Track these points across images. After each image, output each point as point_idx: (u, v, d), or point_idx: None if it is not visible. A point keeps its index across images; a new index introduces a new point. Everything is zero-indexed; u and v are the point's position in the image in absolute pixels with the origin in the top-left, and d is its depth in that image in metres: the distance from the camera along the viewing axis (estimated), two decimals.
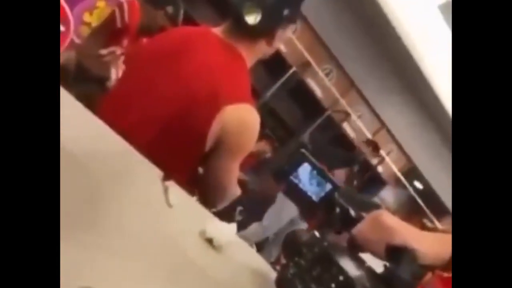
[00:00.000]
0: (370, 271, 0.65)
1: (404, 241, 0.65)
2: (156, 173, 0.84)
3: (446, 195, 5.10)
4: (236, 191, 1.15)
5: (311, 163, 0.85)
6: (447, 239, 0.67)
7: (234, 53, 1.04)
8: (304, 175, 0.85)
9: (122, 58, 1.97)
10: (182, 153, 1.00)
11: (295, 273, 0.68)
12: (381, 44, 4.38)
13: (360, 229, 0.71)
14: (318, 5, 4.06)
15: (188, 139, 0.99)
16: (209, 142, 0.99)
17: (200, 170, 1.07)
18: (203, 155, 1.01)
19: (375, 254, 0.70)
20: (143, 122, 1.00)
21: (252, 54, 1.07)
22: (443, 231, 0.79)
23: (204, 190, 1.07)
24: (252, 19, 1.00)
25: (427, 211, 4.85)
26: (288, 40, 4.02)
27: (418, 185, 5.07)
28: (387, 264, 0.67)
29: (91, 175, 0.62)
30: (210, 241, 0.72)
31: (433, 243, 0.68)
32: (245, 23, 1.00)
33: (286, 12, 1.03)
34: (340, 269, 0.64)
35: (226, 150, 1.01)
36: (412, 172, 4.95)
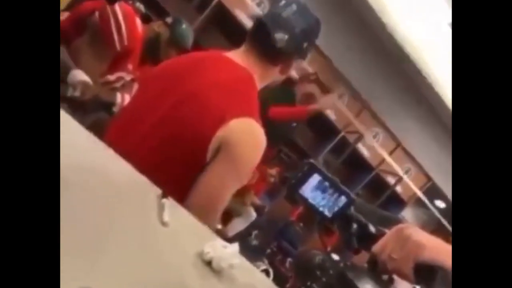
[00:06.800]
0: None
1: (436, 259, 0.56)
2: (155, 191, 0.77)
3: None
4: (217, 222, 1.10)
5: (321, 174, 0.77)
6: None
7: (245, 74, 1.05)
8: (314, 187, 0.77)
9: (135, 84, 1.97)
10: (182, 165, 0.95)
11: None
12: (392, 63, 4.33)
13: (383, 246, 0.62)
14: (327, 31, 4.03)
15: (189, 149, 0.95)
16: (210, 152, 0.93)
17: None
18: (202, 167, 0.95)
19: (401, 274, 0.60)
20: (143, 138, 0.98)
21: (265, 78, 1.08)
22: None
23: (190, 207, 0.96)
24: (280, 39, 1.02)
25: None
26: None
27: (439, 204, 4.85)
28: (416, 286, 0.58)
29: (90, 194, 0.61)
30: (209, 263, 0.64)
31: None
32: (271, 43, 1.02)
33: (305, 44, 1.08)
34: None
35: (226, 160, 0.94)
36: (432, 191, 4.75)
